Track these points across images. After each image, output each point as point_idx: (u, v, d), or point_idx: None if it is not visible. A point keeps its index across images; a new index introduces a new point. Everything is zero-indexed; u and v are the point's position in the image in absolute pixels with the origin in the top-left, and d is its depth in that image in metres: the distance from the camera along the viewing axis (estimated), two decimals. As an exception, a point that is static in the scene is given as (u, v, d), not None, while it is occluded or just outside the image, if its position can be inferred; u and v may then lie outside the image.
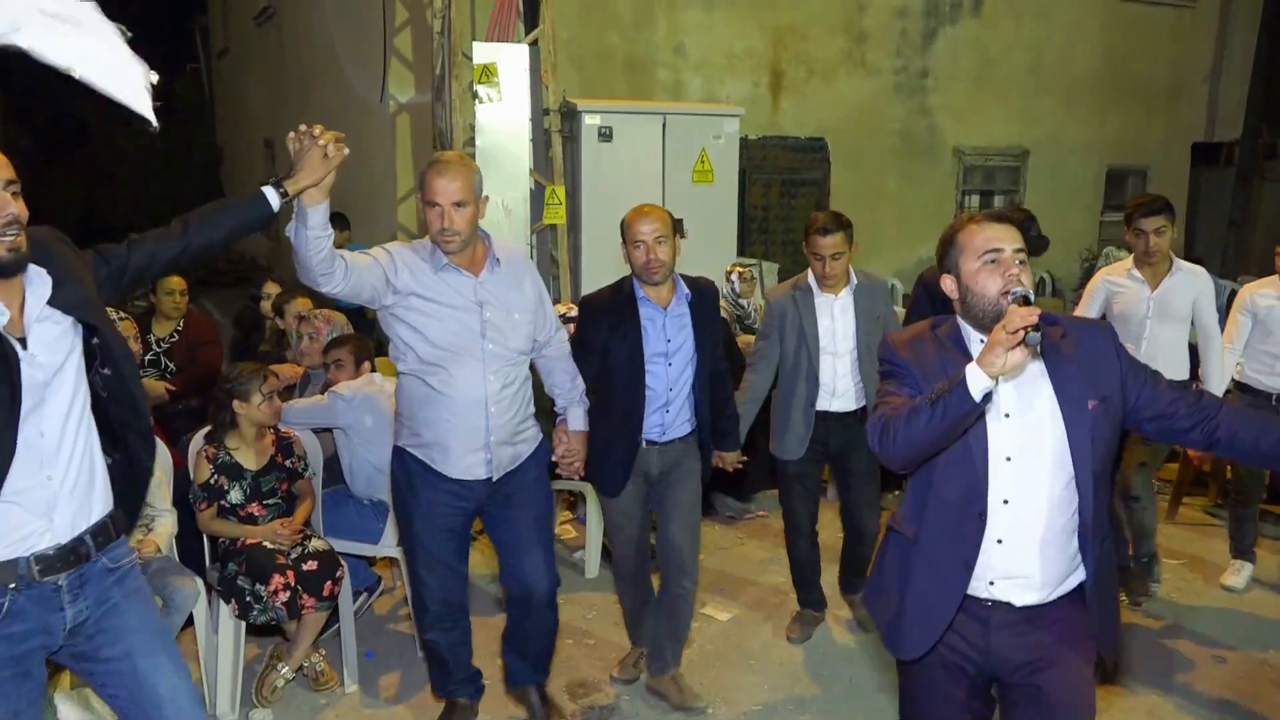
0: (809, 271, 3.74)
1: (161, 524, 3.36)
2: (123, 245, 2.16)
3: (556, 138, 6.48)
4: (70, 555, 2.01)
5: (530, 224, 6.41)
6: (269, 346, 4.90)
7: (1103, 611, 2.06)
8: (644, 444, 3.32)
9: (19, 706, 1.98)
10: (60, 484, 1.99)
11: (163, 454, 3.51)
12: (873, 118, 9.67)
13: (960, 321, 2.05)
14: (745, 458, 3.69)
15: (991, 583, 2.00)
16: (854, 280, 3.76)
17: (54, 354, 1.98)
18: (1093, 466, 1.95)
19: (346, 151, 2.38)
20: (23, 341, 1.93)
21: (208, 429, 3.51)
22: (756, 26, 8.97)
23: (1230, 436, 1.97)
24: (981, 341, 1.93)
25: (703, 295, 3.37)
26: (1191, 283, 4.04)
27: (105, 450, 2.11)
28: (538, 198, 6.44)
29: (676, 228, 3.31)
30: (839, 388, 3.76)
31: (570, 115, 6.53)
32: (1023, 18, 10.19)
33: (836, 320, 3.74)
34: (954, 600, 2.01)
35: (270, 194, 2.32)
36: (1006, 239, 1.97)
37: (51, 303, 1.97)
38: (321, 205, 2.44)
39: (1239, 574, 4.42)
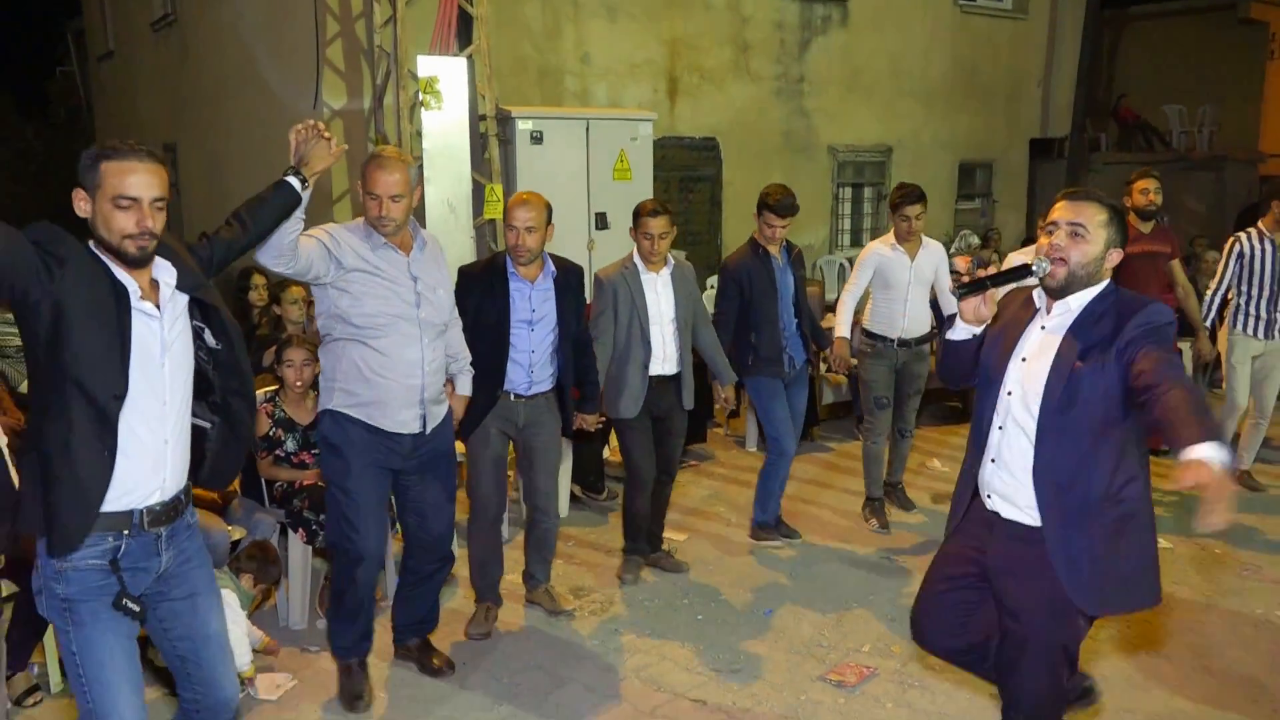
0: (633, 253, 4.25)
1: (229, 472, 4.00)
2: (203, 242, 2.48)
3: (493, 141, 7.21)
4: (171, 511, 2.30)
5: (473, 219, 7.13)
6: (266, 330, 5.47)
7: (1074, 560, 2.33)
8: (511, 397, 3.78)
9: (122, 632, 2.25)
10: (172, 447, 2.28)
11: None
12: (758, 119, 10.70)
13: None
14: (603, 417, 4.32)
15: (989, 496, 2.47)
16: (671, 262, 4.30)
17: (177, 327, 2.29)
18: (1062, 418, 2.31)
19: (346, 148, 2.74)
20: (158, 309, 2.24)
21: (270, 389, 4.14)
22: (654, 37, 9.86)
23: (1160, 419, 2.11)
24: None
25: (568, 274, 3.86)
26: (934, 255, 4.97)
27: (206, 416, 2.40)
28: (478, 195, 7.16)
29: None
30: (666, 353, 4.28)
31: (505, 121, 7.27)
32: (884, 29, 11.41)
33: (660, 294, 4.26)
34: (963, 502, 2.55)
35: (294, 182, 2.62)
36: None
37: (179, 286, 2.29)
38: (308, 194, 2.70)
39: None
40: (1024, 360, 2.44)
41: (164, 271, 2.28)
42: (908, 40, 11.61)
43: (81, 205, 2.20)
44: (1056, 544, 2.34)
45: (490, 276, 3.76)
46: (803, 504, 5.51)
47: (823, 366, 6.25)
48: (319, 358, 3.38)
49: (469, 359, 3.62)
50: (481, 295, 3.72)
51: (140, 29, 13.38)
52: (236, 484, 3.97)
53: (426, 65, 6.84)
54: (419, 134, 6.97)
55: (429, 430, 3.30)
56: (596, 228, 7.67)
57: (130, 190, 2.16)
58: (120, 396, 2.15)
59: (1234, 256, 5.51)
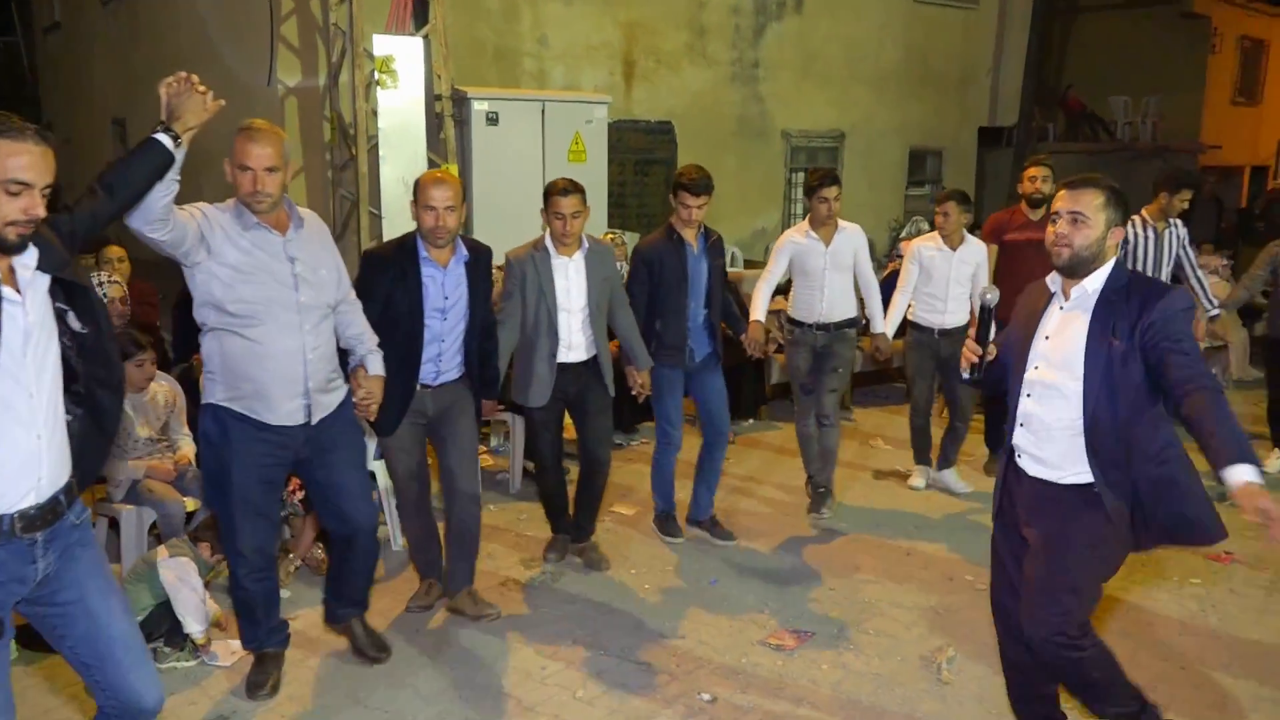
0: (546, 234, 4.05)
1: (185, 444, 4.06)
2: (65, 213, 2.24)
3: (449, 122, 7.26)
4: (50, 514, 2.08)
5: (428, 199, 7.18)
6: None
7: (1122, 512, 2.55)
8: (419, 387, 3.62)
9: None
10: (47, 442, 2.05)
11: (178, 385, 4.20)
12: (713, 104, 10.82)
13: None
14: (502, 405, 4.21)
15: (1020, 456, 2.73)
16: (586, 244, 4.08)
17: (38, 311, 2.06)
18: (1102, 388, 2.52)
19: (223, 103, 2.55)
20: (19, 293, 2.02)
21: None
22: (611, 21, 9.92)
23: (1187, 418, 2.35)
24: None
25: (479, 257, 3.67)
26: (853, 238, 4.88)
27: (67, 409, 2.15)
28: (434, 175, 7.20)
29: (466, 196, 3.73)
30: (574, 341, 4.10)
31: (460, 101, 7.32)
32: (838, 15, 11.57)
33: (571, 280, 4.05)
34: (1003, 475, 2.80)
35: (165, 139, 2.43)
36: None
37: (40, 267, 2.06)
38: (183, 151, 2.51)
39: (919, 477, 5.52)
40: (1047, 338, 2.69)
41: (24, 252, 2.06)
42: (861, 27, 11.79)
43: None
44: (1107, 497, 2.56)
45: (401, 261, 3.53)
46: (752, 482, 5.66)
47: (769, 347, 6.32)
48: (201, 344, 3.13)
49: (375, 339, 3.36)
50: (392, 281, 3.50)
51: (90, 2, 13.15)
52: (191, 454, 4.03)
53: (382, 44, 6.87)
54: (374, 113, 7.00)
55: (314, 421, 3.11)
56: (552, 209, 7.75)
57: (23, 174, 1.96)
58: None
59: (1119, 243, 5.61)
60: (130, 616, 2.30)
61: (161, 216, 2.65)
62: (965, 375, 2.89)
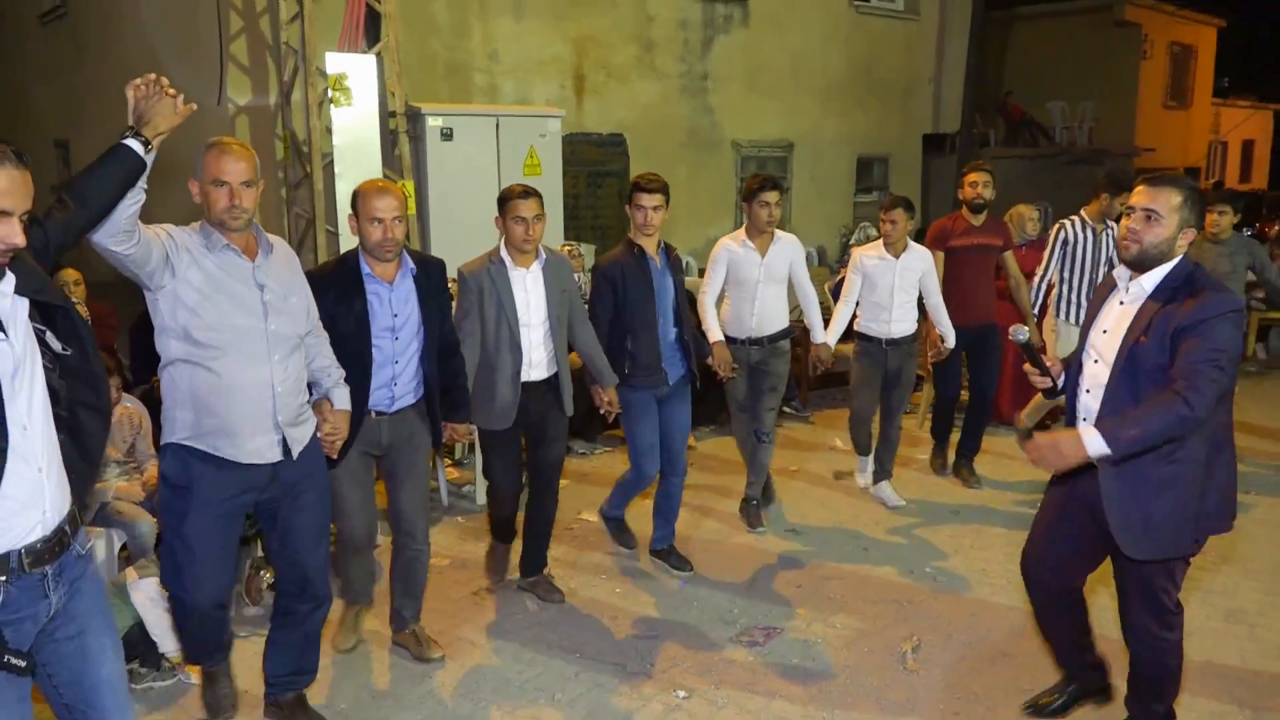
0: (501, 245, 3.84)
1: (152, 465, 4.05)
2: (35, 228, 2.09)
3: (403, 138, 7.28)
4: (55, 546, 2.00)
5: (385, 215, 7.19)
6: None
7: (1125, 502, 2.66)
8: (373, 415, 3.39)
9: (9, 697, 1.96)
10: (48, 474, 1.97)
11: (143, 406, 4.19)
12: (663, 116, 10.95)
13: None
14: (474, 427, 3.91)
15: None
16: (543, 255, 3.88)
17: (23, 340, 1.95)
18: (1121, 382, 2.64)
19: (194, 107, 2.43)
20: (1, 326, 1.91)
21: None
22: (560, 35, 10.02)
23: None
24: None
25: (429, 270, 3.45)
26: (788, 249, 4.77)
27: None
28: (390, 191, 7.22)
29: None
30: (534, 358, 3.88)
31: (415, 117, 7.34)
32: (784, 28, 11.79)
33: (530, 292, 3.83)
34: None
35: (135, 144, 2.31)
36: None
37: (18, 291, 1.95)
38: (153, 156, 2.38)
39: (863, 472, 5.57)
40: (1104, 332, 2.77)
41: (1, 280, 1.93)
42: (806, 39, 12.02)
43: None
44: (1109, 485, 2.69)
45: (343, 278, 3.31)
46: (713, 492, 5.76)
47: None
48: (159, 377, 2.92)
49: (342, 372, 3.20)
50: (335, 302, 3.26)
51: (27, 21, 12.95)
52: (155, 475, 4.01)
53: (335, 62, 6.88)
54: (329, 130, 7.00)
55: (295, 455, 2.94)
56: (508, 222, 7.80)
57: (4, 202, 1.85)
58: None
59: (1058, 244, 5.59)
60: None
61: (127, 229, 2.49)
62: (1046, 393, 2.99)
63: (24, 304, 1.96)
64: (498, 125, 7.63)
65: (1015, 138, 16.62)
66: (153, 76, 2.35)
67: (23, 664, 1.93)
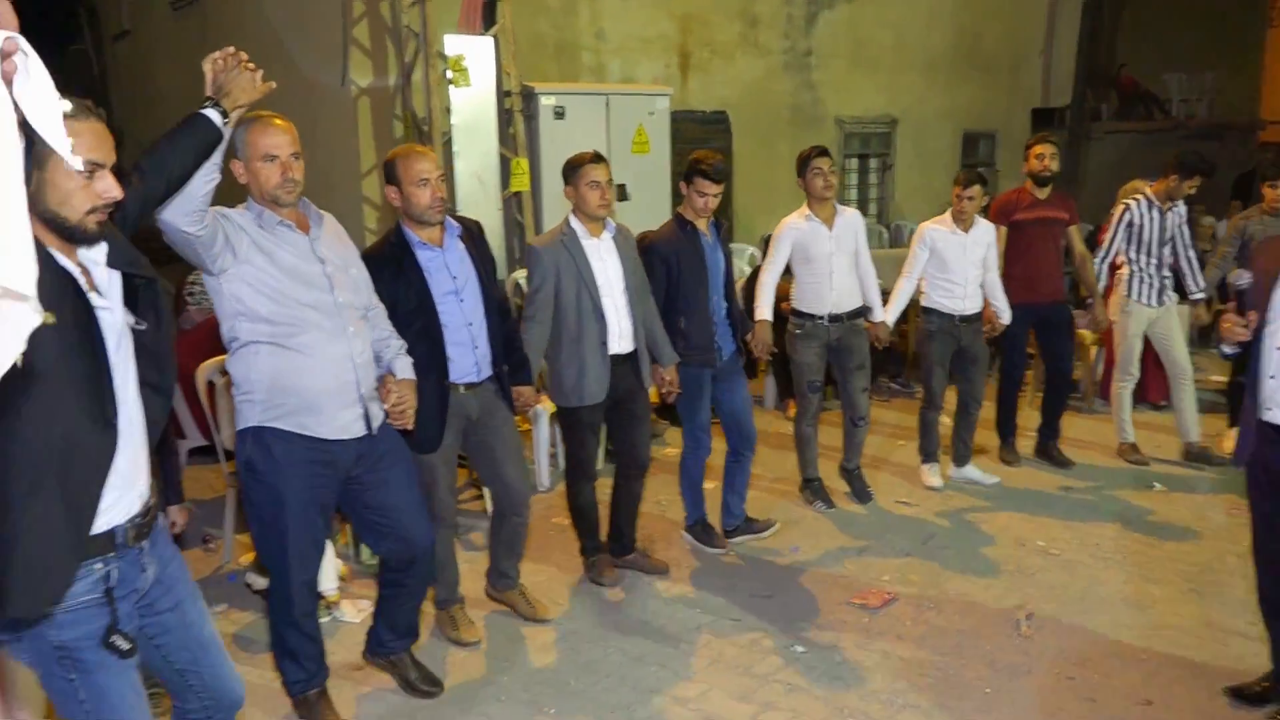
0: (568, 218, 3.82)
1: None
2: None
3: (518, 117, 7.52)
4: (149, 520, 2.02)
5: (500, 191, 7.45)
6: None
7: None
8: (461, 389, 3.35)
9: (129, 665, 1.99)
10: (138, 447, 1.98)
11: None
12: (766, 93, 10.97)
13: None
14: (539, 394, 3.87)
15: (1269, 409, 2.88)
16: (611, 225, 3.86)
17: (120, 312, 1.94)
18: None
19: (274, 85, 2.38)
20: (101, 294, 1.90)
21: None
22: (665, 13, 10.12)
23: None
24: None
25: (470, 230, 3.42)
26: (854, 221, 4.72)
27: None
28: (504, 169, 7.48)
29: (621, 191, 3.78)
30: (621, 327, 3.83)
31: (529, 97, 7.58)
32: (887, 3, 11.65)
33: (606, 261, 3.80)
34: (1250, 429, 2.96)
35: (213, 114, 2.25)
36: None
37: (110, 263, 1.93)
38: (229, 131, 2.34)
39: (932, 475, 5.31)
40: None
41: (90, 249, 1.91)
42: (911, 13, 11.86)
43: None
44: None
45: (394, 254, 3.26)
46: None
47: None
48: (226, 368, 2.89)
49: (402, 342, 3.11)
50: (392, 279, 3.20)
51: (159, 8, 13.62)
52: None
53: (454, 44, 7.13)
54: (447, 110, 7.27)
55: (375, 429, 2.91)
56: (617, 199, 7.99)
57: (95, 154, 1.80)
58: (113, 419, 1.88)
59: (1123, 224, 5.42)
60: (209, 618, 2.26)
61: (201, 207, 2.44)
62: (1227, 351, 3.02)
63: (117, 277, 1.95)
64: (608, 103, 7.81)
65: (1130, 111, 16.03)
66: (230, 50, 2.30)
67: (126, 646, 1.93)
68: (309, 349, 2.75)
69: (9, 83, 1.37)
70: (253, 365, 2.76)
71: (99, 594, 1.89)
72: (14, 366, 1.48)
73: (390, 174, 3.25)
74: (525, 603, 3.85)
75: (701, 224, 4.19)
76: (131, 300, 1.97)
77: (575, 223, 3.81)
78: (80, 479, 1.82)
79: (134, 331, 1.95)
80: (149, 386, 1.99)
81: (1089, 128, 13.36)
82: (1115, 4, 16.77)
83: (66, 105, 1.49)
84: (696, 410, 4.31)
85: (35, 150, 1.66)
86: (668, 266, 4.11)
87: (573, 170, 3.78)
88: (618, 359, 3.85)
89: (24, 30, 1.39)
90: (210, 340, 4.80)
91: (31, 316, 1.39)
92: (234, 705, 2.26)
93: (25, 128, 1.42)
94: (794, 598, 4.02)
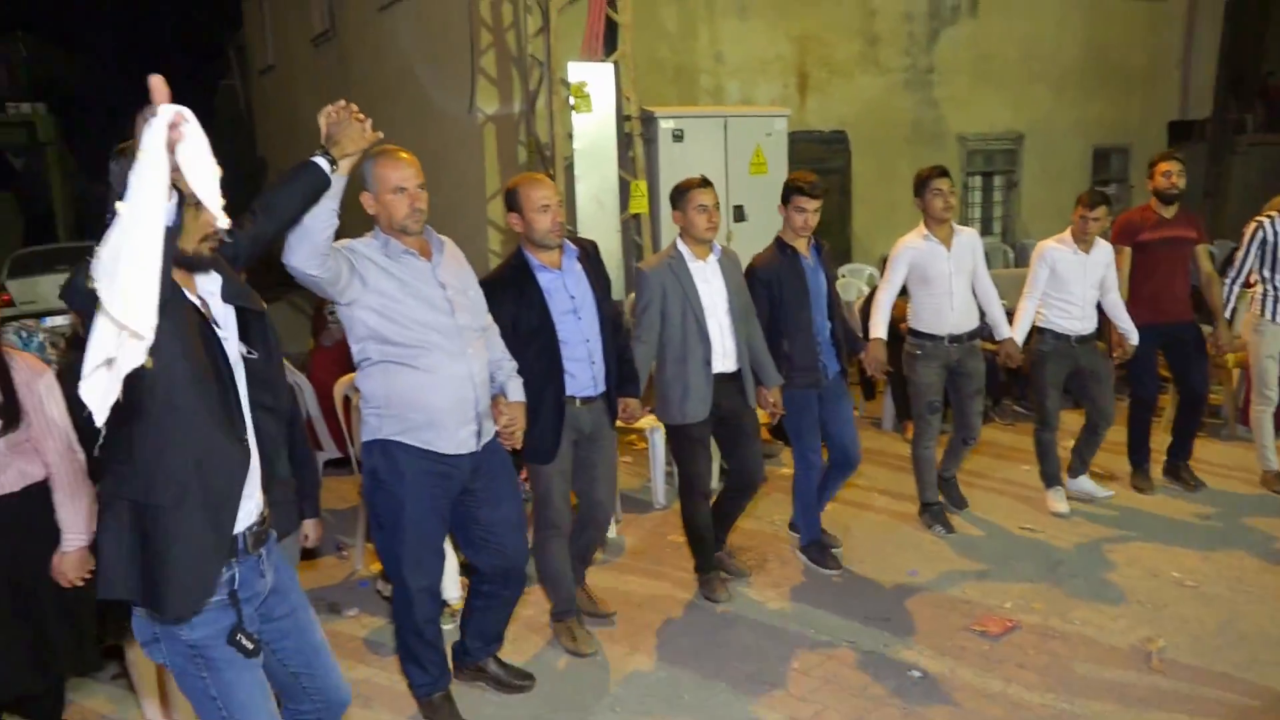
0: (675, 242, 3.97)
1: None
2: (228, 237, 2.18)
3: (637, 140, 7.68)
4: (264, 526, 2.18)
5: (619, 213, 7.63)
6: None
7: None
8: (577, 402, 3.52)
9: (255, 663, 2.13)
10: (255, 462, 2.12)
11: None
12: (886, 111, 10.87)
13: None
14: (649, 407, 3.99)
15: None
16: (717, 248, 3.99)
17: (236, 341, 2.12)
18: None
19: (381, 135, 2.52)
20: (218, 324, 2.08)
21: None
22: (784, 34, 10.17)
23: None
24: None
25: (587, 251, 3.58)
26: (971, 240, 4.70)
27: None
28: (624, 192, 7.65)
29: (739, 212, 3.88)
30: (725, 348, 3.96)
31: (648, 120, 7.74)
32: (1013, 16, 11.40)
33: (711, 283, 3.94)
34: None
35: (322, 161, 2.39)
36: None
37: (224, 297, 2.11)
38: (341, 180, 2.48)
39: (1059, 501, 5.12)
40: None
41: (207, 280, 2.09)
42: (1038, 26, 11.58)
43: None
44: None
45: (515, 277, 3.44)
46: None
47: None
48: (356, 384, 3.10)
49: (514, 364, 3.28)
50: (514, 301, 3.39)
51: (300, 44, 14.46)
52: None
53: (576, 71, 7.36)
54: (569, 135, 7.49)
55: (482, 447, 3.09)
56: (734, 220, 8.07)
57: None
58: (243, 436, 2.07)
59: (1255, 243, 5.21)
60: (318, 624, 2.38)
61: (324, 251, 2.64)
62: None
63: (232, 310, 2.13)
64: (725, 125, 7.91)
65: (1277, 122, 15.22)
66: (343, 103, 2.47)
67: (250, 646, 2.07)
68: (432, 368, 2.93)
69: (173, 151, 1.64)
70: (380, 382, 2.96)
71: (224, 595, 2.05)
72: (154, 396, 1.84)
73: (512, 201, 3.43)
74: (588, 599, 4.02)
75: (801, 245, 4.24)
76: (243, 332, 2.14)
77: (682, 246, 3.96)
78: (219, 489, 2.00)
79: (245, 360, 2.13)
80: (263, 408, 2.16)
81: (1232, 141, 12.70)
82: (1260, 9, 15.95)
83: (218, 170, 1.72)
84: (804, 430, 4.35)
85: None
86: (769, 290, 4.19)
87: (680, 195, 3.93)
88: (721, 377, 3.96)
89: (182, 70, 1.69)
90: (346, 356, 5.10)
91: (142, 355, 1.65)
92: (341, 705, 2.39)
93: (175, 186, 1.68)
94: (911, 622, 3.97)
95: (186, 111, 1.65)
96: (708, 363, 3.91)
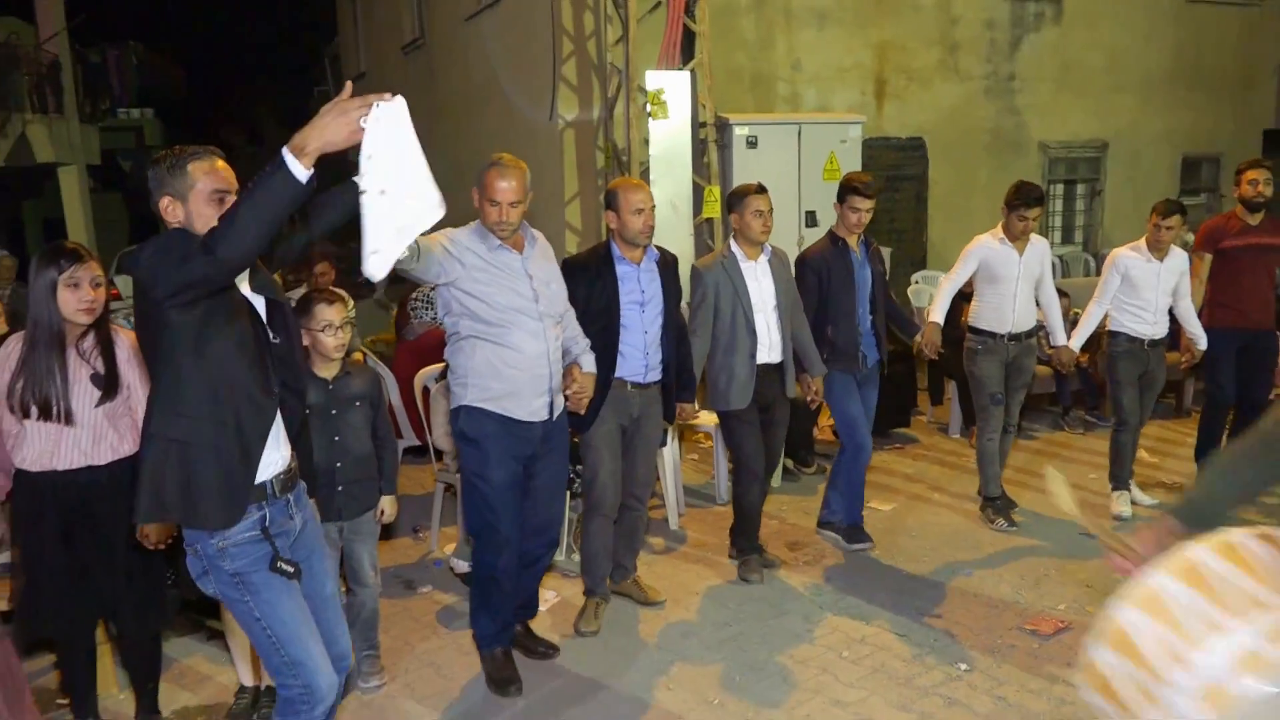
0: (729, 243, 4.32)
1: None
2: None
3: (712, 146, 7.85)
4: (292, 477, 2.50)
5: (693, 217, 7.80)
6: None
7: None
8: (629, 386, 3.86)
9: (293, 588, 2.42)
10: (280, 426, 2.46)
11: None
12: (965, 118, 10.81)
13: None
14: (698, 409, 4.29)
15: None
16: (768, 249, 4.31)
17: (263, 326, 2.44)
18: None
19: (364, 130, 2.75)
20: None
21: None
22: (862, 42, 10.21)
23: None
24: None
25: (666, 260, 3.95)
26: (1040, 251, 4.95)
27: None
28: (698, 196, 7.82)
29: (810, 217, 4.19)
30: (771, 340, 4.29)
31: (723, 127, 7.90)
32: (1098, 24, 11.23)
33: (761, 281, 4.26)
34: None
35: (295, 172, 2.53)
36: None
37: (253, 288, 2.43)
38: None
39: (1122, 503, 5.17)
40: None
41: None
42: (1125, 33, 11.38)
43: (172, 210, 2.30)
44: None
45: (597, 264, 3.84)
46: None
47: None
48: (445, 357, 3.51)
49: (588, 342, 3.69)
50: (590, 283, 3.78)
51: (391, 52, 14.97)
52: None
53: (654, 79, 7.56)
54: (646, 141, 7.70)
55: (555, 416, 3.49)
56: (806, 225, 8.17)
57: (224, 185, 2.32)
58: (274, 392, 2.41)
59: None
60: (335, 578, 2.62)
61: (404, 267, 3.04)
62: None
63: (261, 299, 2.44)
64: (799, 132, 8.02)
65: (1380, 131, 14.63)
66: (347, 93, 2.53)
67: (291, 569, 2.40)
68: (515, 345, 3.33)
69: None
70: (470, 355, 3.36)
71: (257, 531, 2.37)
72: (210, 353, 2.27)
73: (611, 201, 3.83)
74: (639, 590, 4.25)
75: (852, 241, 4.59)
76: (269, 320, 2.46)
77: (735, 246, 4.29)
78: (250, 429, 2.35)
79: (270, 344, 2.44)
80: (285, 387, 2.48)
81: (1331, 150, 12.26)
82: (1367, 14, 15.34)
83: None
84: (848, 410, 4.66)
85: (180, 186, 2.30)
86: (819, 277, 4.55)
87: (739, 199, 4.27)
88: (765, 368, 4.30)
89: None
90: (428, 350, 5.39)
91: (434, 217, 2.25)
92: (340, 658, 2.59)
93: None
94: (963, 617, 4.06)
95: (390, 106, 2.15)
96: (753, 355, 4.23)
